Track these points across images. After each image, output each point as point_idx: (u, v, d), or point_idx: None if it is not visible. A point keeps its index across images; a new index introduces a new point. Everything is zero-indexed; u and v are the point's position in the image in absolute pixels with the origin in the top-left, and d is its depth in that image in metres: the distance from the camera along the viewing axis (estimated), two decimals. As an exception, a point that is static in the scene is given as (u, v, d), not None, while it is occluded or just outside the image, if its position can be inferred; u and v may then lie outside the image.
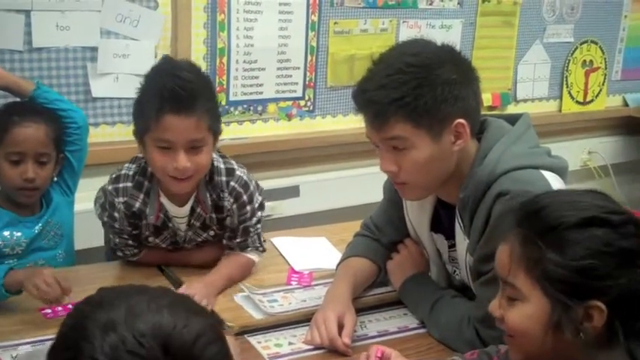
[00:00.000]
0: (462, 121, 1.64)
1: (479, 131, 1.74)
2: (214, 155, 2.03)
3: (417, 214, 1.90)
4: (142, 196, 2.01)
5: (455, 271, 1.89)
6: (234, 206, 2.06)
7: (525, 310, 1.27)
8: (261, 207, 2.16)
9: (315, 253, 2.29)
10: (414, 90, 1.61)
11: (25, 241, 2.13)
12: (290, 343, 1.76)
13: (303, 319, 1.84)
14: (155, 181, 2.02)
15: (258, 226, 2.13)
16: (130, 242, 2.09)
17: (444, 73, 1.62)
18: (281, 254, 2.29)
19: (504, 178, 1.61)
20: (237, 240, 2.11)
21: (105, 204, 2.04)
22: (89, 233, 2.38)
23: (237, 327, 1.80)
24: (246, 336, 1.79)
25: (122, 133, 2.68)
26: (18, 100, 2.21)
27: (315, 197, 3.12)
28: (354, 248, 2.04)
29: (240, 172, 2.06)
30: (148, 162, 1.97)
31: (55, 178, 2.21)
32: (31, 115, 2.12)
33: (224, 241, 2.13)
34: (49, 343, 1.65)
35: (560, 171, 1.71)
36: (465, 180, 1.68)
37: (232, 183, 2.04)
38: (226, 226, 2.10)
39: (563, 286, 1.21)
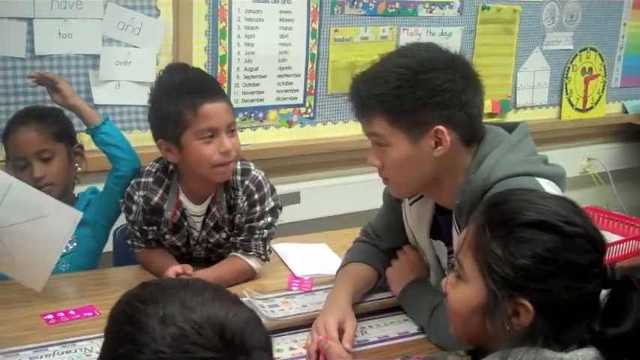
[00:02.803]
0: (441, 128, 1.63)
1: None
2: None
3: (416, 221, 1.91)
4: (160, 191, 2.09)
5: None
6: (246, 204, 2.10)
7: (464, 291, 1.32)
8: (274, 213, 2.16)
9: (315, 259, 2.29)
10: (395, 90, 1.63)
11: None
12: (291, 348, 1.77)
13: (304, 324, 1.85)
14: (175, 179, 2.10)
15: (265, 231, 2.13)
16: (138, 234, 2.15)
17: (430, 79, 1.62)
18: (282, 260, 2.30)
19: (499, 185, 1.61)
20: (241, 238, 2.13)
21: (125, 195, 2.14)
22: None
23: (238, 332, 1.80)
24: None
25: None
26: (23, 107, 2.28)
27: (316, 204, 3.13)
28: (354, 254, 2.05)
29: (255, 172, 2.13)
30: (192, 160, 2.02)
31: (79, 168, 2.27)
32: (26, 118, 2.19)
33: (231, 239, 2.16)
34: (50, 349, 1.67)
35: (557, 178, 1.71)
36: (460, 186, 1.69)
37: (247, 182, 2.11)
38: (235, 224, 2.13)
39: (498, 278, 1.24)
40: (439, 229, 1.86)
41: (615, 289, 1.26)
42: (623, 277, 1.25)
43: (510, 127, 1.79)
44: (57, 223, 1.88)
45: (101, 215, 2.29)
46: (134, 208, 2.11)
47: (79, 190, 2.37)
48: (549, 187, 1.65)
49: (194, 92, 1.96)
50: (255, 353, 0.93)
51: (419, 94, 1.62)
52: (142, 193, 2.10)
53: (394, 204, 1.98)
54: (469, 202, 1.65)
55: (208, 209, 2.11)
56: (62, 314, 1.85)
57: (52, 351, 1.69)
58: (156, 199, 2.09)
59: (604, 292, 1.28)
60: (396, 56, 1.71)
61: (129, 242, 2.20)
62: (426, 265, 1.96)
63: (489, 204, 1.35)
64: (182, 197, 2.11)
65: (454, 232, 1.75)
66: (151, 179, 2.10)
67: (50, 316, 1.86)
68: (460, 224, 1.70)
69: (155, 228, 2.14)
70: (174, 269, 1.97)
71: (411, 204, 1.91)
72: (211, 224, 2.13)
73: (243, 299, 1.93)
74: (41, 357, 1.67)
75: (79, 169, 2.27)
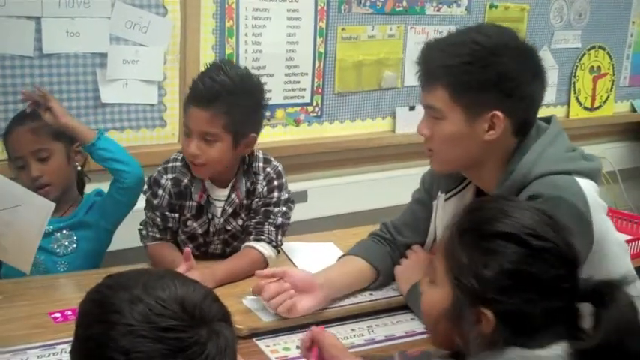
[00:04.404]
0: (498, 113, 1.65)
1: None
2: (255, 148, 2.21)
3: (451, 217, 1.90)
4: (189, 175, 2.17)
5: None
6: (265, 189, 2.19)
7: (434, 295, 1.33)
8: (287, 204, 2.23)
9: (323, 258, 2.29)
10: (465, 64, 1.64)
11: None
12: (298, 347, 1.76)
13: (312, 322, 1.85)
14: None
15: (279, 219, 2.20)
16: (158, 221, 2.19)
17: (502, 63, 1.64)
18: (289, 259, 2.30)
19: (538, 182, 1.64)
20: (255, 220, 2.19)
21: (150, 181, 2.21)
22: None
23: (246, 329, 1.81)
24: (254, 339, 1.80)
25: (131, 138, 2.70)
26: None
27: (323, 203, 3.13)
28: (359, 247, 2.05)
29: (276, 163, 2.25)
30: None
31: (80, 168, 2.27)
32: (23, 118, 2.20)
33: (245, 223, 2.21)
34: (58, 347, 1.68)
35: (593, 174, 1.72)
36: (502, 176, 1.70)
37: (268, 169, 2.22)
38: (251, 209, 2.20)
39: (463, 286, 1.25)
40: None
41: (592, 302, 1.25)
42: (594, 292, 1.24)
43: (545, 120, 1.79)
44: (31, 212, 1.95)
45: (106, 219, 2.29)
46: (160, 192, 2.17)
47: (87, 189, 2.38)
48: (586, 185, 1.66)
49: (192, 94, 2.10)
50: (215, 323, 1.04)
51: (487, 75, 1.64)
52: (170, 176, 2.18)
53: (425, 200, 1.99)
54: (507, 194, 1.65)
55: (228, 196, 2.18)
56: (70, 312, 1.85)
57: (59, 349, 1.69)
58: (186, 181, 2.17)
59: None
60: (474, 32, 1.72)
61: (143, 232, 2.23)
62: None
63: (465, 210, 1.35)
64: (207, 183, 2.19)
65: None
66: (179, 163, 2.19)
67: (58, 315, 1.86)
68: None
69: (177, 216, 2.19)
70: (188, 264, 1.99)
71: (447, 199, 1.90)
72: (230, 210, 2.19)
73: (252, 297, 1.96)
74: (49, 355, 1.67)
75: (79, 167, 2.26)
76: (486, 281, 1.22)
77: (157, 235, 2.21)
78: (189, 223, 2.21)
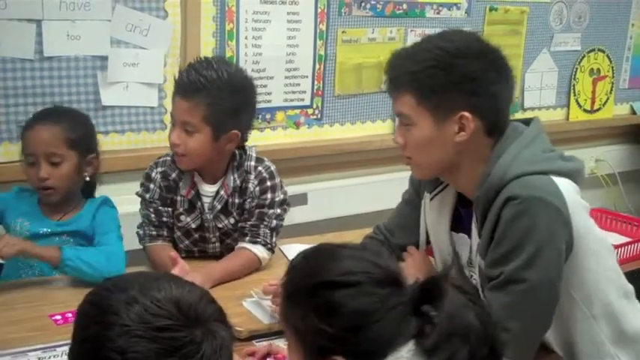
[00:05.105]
0: (466, 114, 1.67)
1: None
2: (249, 148, 2.25)
3: (436, 215, 1.91)
4: (177, 169, 2.21)
5: (472, 276, 1.88)
6: (257, 189, 2.20)
7: (290, 356, 1.31)
8: (282, 206, 2.25)
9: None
10: (428, 69, 1.67)
11: (28, 234, 2.16)
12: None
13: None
14: None
15: (274, 221, 2.23)
16: (152, 217, 2.23)
17: (466, 64, 1.66)
18: (289, 261, 2.30)
19: (514, 183, 1.63)
20: (250, 222, 2.21)
21: (143, 178, 2.26)
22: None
23: (246, 332, 1.81)
24: (254, 341, 1.81)
25: (131, 141, 2.70)
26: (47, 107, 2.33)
27: (323, 205, 3.13)
28: None
29: (269, 163, 2.27)
30: None
31: (87, 179, 2.24)
32: (46, 118, 2.19)
33: (239, 224, 2.23)
34: (59, 349, 1.68)
35: (573, 174, 1.72)
36: (480, 178, 1.70)
37: (260, 168, 2.24)
38: (245, 209, 2.21)
39: (306, 344, 1.25)
40: (461, 223, 1.87)
41: (429, 303, 1.23)
42: (423, 293, 1.23)
43: (524, 123, 1.80)
44: None
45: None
46: (152, 186, 2.23)
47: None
48: (565, 184, 1.66)
49: (176, 84, 2.15)
50: (210, 323, 1.05)
51: (450, 77, 1.66)
52: (160, 169, 2.23)
53: (413, 200, 2.00)
54: (485, 197, 1.67)
55: (217, 192, 2.20)
56: (70, 315, 1.85)
57: (60, 351, 1.70)
58: (174, 175, 2.21)
59: None
60: (437, 38, 1.76)
61: (140, 233, 2.26)
62: (432, 268, 1.96)
63: (284, 278, 1.35)
64: (197, 178, 2.22)
65: (473, 226, 1.76)
66: (169, 158, 2.23)
67: (58, 317, 1.87)
68: (477, 217, 1.72)
69: (170, 210, 2.22)
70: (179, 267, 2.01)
71: (431, 198, 1.91)
72: (218, 206, 2.21)
73: (251, 299, 1.97)
74: (49, 357, 1.68)
75: (88, 179, 2.25)
76: (326, 334, 1.21)
77: (154, 233, 2.23)
78: (182, 217, 2.24)
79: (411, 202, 2.03)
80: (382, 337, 1.22)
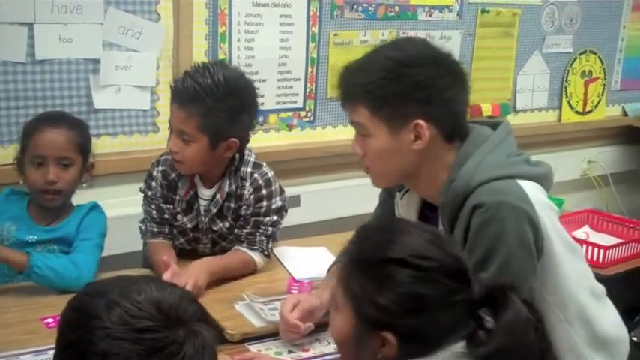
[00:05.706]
0: (421, 122, 1.65)
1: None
2: (248, 152, 2.24)
3: (406, 214, 1.91)
4: (177, 170, 2.21)
5: None
6: (252, 197, 2.19)
7: (339, 321, 1.34)
8: (279, 213, 2.25)
9: (315, 262, 2.30)
10: (378, 80, 1.66)
11: (14, 238, 2.15)
12: (290, 352, 1.78)
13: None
14: None
15: (270, 228, 2.23)
16: (154, 213, 2.25)
17: (415, 73, 1.65)
18: (281, 263, 2.31)
19: (480, 190, 1.62)
20: (246, 230, 2.21)
21: (146, 176, 2.27)
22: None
23: (238, 334, 1.82)
24: (246, 344, 1.81)
25: (124, 144, 2.70)
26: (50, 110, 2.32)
27: (316, 207, 3.14)
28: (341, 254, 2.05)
29: (266, 169, 2.25)
30: None
31: (85, 184, 2.24)
32: (54, 121, 2.19)
33: (235, 231, 2.24)
34: (51, 352, 1.68)
35: (540, 178, 1.71)
36: (444, 185, 1.69)
37: (256, 175, 2.22)
38: (240, 216, 2.21)
39: (362, 313, 1.27)
40: (429, 223, 1.86)
41: (488, 307, 1.26)
42: (488, 298, 1.26)
43: (494, 126, 1.79)
44: None
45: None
46: (153, 184, 2.24)
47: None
48: (531, 188, 1.65)
49: (175, 93, 2.14)
50: (192, 323, 1.06)
51: (401, 86, 1.65)
52: (160, 168, 2.24)
53: (386, 200, 2.00)
54: (451, 204, 1.66)
55: (213, 196, 2.21)
56: (62, 318, 1.85)
57: (52, 355, 1.68)
58: (173, 175, 2.22)
59: None
60: (386, 48, 1.75)
61: (142, 228, 2.28)
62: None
63: (353, 241, 1.36)
64: (196, 180, 2.23)
65: (440, 229, 1.76)
66: (169, 157, 2.21)
67: (50, 320, 1.86)
68: (444, 223, 1.71)
69: (171, 207, 2.24)
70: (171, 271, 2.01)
71: (401, 197, 1.91)
72: (214, 210, 2.21)
73: (243, 302, 1.97)
74: (41, 360, 1.68)
75: (85, 185, 2.26)
76: (383, 308, 1.24)
77: (155, 230, 2.25)
78: (178, 217, 2.25)
79: (385, 203, 2.02)
80: (439, 329, 1.24)
